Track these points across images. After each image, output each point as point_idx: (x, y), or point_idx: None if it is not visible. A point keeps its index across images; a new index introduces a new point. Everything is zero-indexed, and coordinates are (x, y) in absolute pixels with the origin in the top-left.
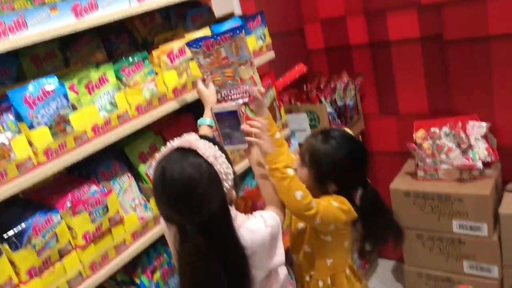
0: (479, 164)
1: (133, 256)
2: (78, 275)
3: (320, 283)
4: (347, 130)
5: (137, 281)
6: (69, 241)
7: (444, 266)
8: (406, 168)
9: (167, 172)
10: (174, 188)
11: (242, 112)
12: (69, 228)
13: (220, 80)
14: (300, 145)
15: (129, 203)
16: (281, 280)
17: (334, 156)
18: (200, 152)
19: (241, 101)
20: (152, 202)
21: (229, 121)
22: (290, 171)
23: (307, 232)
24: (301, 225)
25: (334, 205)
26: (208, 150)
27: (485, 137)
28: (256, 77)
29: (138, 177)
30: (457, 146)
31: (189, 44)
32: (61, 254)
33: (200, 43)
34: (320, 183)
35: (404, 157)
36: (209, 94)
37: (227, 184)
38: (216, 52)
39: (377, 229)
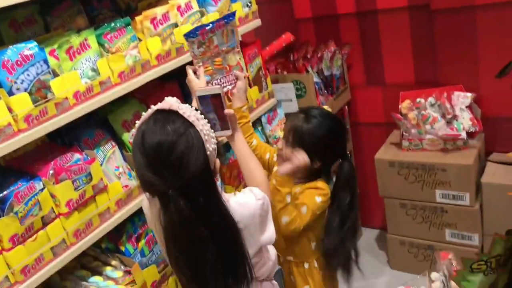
0: (463, 134)
1: (117, 223)
2: (62, 242)
3: (306, 265)
4: (326, 107)
5: (122, 248)
6: (52, 209)
7: (427, 234)
8: (391, 139)
9: (146, 134)
10: (153, 149)
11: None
12: (52, 196)
13: (210, 70)
14: (286, 115)
15: (113, 171)
16: (272, 259)
17: (317, 135)
18: (181, 112)
19: (230, 87)
20: None
21: (213, 105)
22: (288, 199)
23: None
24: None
25: (318, 202)
26: (189, 111)
27: (469, 107)
28: (242, 63)
29: (122, 146)
30: (442, 116)
31: (187, 35)
32: (45, 222)
33: (197, 32)
34: (317, 157)
35: (389, 128)
36: (199, 83)
37: (210, 147)
38: (209, 41)
39: (341, 211)
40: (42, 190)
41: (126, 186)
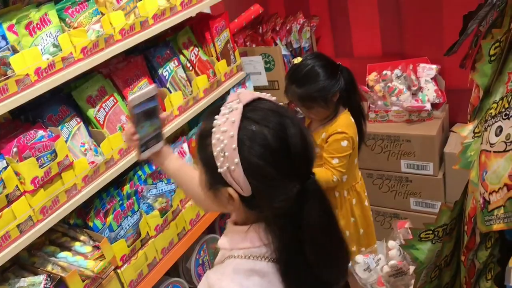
0: (428, 106)
1: (84, 200)
2: (28, 220)
3: (336, 194)
4: (297, 60)
5: (90, 224)
6: (17, 187)
7: (392, 203)
8: None
9: (277, 131)
10: (301, 147)
11: None
12: (16, 173)
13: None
14: (255, 89)
15: (79, 147)
16: None
17: (322, 82)
18: (266, 97)
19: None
20: (103, 146)
21: (148, 114)
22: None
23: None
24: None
25: (345, 147)
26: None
27: (434, 79)
28: None
29: (87, 122)
30: (408, 88)
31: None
32: (10, 200)
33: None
34: (329, 105)
35: None
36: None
37: None
38: None
39: (356, 104)
40: (5, 168)
41: (92, 162)
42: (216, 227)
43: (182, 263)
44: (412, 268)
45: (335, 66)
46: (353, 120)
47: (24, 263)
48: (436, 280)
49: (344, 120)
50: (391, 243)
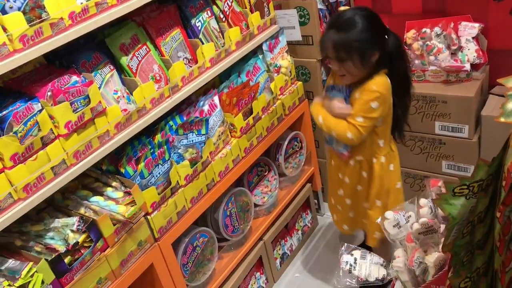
0: (467, 66)
1: (116, 146)
2: (62, 163)
3: (374, 160)
4: (343, 8)
5: (122, 170)
6: (51, 130)
7: (423, 165)
8: None
9: None
10: None
11: None
12: (51, 117)
13: None
14: (288, 44)
15: (112, 94)
16: None
17: (362, 33)
18: None
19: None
20: (135, 95)
21: None
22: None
23: None
24: None
25: (373, 108)
26: None
27: (476, 38)
28: None
29: (120, 69)
30: (447, 47)
31: None
32: (44, 143)
33: None
34: (364, 64)
35: None
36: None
37: None
38: None
39: (401, 74)
40: (40, 111)
41: (125, 110)
42: (245, 181)
43: (211, 214)
44: (443, 227)
45: (382, 26)
46: (389, 81)
47: (58, 205)
48: (468, 236)
49: (380, 79)
50: (422, 200)
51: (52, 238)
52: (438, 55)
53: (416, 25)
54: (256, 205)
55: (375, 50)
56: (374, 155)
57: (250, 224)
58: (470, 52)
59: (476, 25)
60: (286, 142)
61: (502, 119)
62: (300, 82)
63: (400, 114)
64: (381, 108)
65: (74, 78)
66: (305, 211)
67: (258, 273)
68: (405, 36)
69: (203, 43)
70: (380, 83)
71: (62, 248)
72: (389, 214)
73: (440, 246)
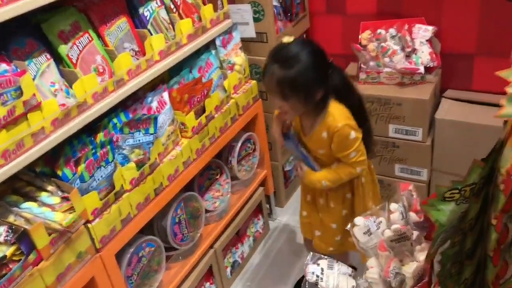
0: (422, 69)
1: (53, 145)
2: None
3: (362, 179)
4: (287, 39)
5: (59, 172)
6: None
7: (376, 168)
8: (348, 71)
9: None
10: None
11: None
12: None
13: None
14: (242, 40)
15: (48, 87)
16: None
17: (307, 70)
18: None
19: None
20: (75, 88)
21: None
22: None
23: (330, 156)
24: (321, 151)
25: (357, 136)
26: None
27: (430, 41)
28: None
29: (58, 60)
30: (402, 49)
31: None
32: None
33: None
34: (309, 101)
35: (347, 60)
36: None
37: None
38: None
39: (354, 106)
40: None
41: (63, 104)
42: (195, 185)
43: (157, 221)
44: (416, 234)
45: (327, 62)
46: (343, 106)
47: None
48: (458, 246)
49: (337, 111)
50: (393, 205)
51: None
52: (393, 57)
53: (371, 26)
54: (207, 211)
55: (320, 88)
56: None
57: (201, 231)
58: (424, 55)
59: (430, 28)
60: (239, 144)
61: (502, 114)
62: (254, 81)
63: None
64: (357, 130)
65: (4, 66)
66: (257, 216)
67: (208, 283)
68: (360, 37)
69: (151, 34)
70: (339, 115)
71: None
72: (358, 220)
73: (416, 255)
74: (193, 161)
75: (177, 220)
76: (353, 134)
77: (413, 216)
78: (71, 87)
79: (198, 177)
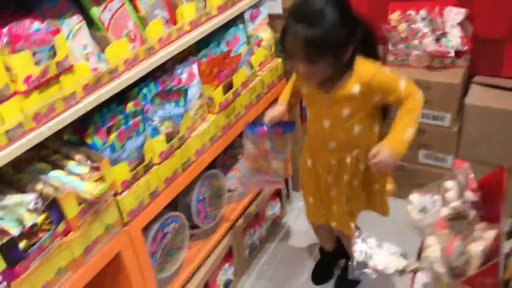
0: (452, 52)
1: (84, 112)
2: (18, 126)
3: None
4: None
5: (89, 141)
6: (7, 85)
7: None
8: None
9: None
10: None
11: None
12: (7, 68)
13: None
14: (269, 16)
15: (80, 50)
16: None
17: (337, 27)
18: None
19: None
20: (107, 53)
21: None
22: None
23: (354, 116)
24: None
25: (392, 72)
26: None
27: (461, 25)
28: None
29: (89, 23)
30: (432, 32)
31: (247, 128)
32: None
33: (255, 133)
34: (338, 62)
35: None
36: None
37: None
38: (262, 143)
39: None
40: None
41: (95, 69)
42: (218, 163)
43: (181, 199)
44: (472, 213)
45: (353, 14)
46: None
47: (8, 180)
48: None
49: (364, 64)
50: (449, 183)
51: (2, 219)
52: (422, 40)
53: (401, 6)
54: (228, 190)
55: (349, 45)
56: (370, 144)
57: (222, 210)
58: (455, 38)
59: (462, 10)
60: None
61: None
62: (279, 59)
63: None
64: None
65: (36, 24)
66: (275, 199)
67: (227, 264)
68: (389, 18)
69: (182, 2)
70: (367, 64)
71: (15, 231)
72: (414, 197)
73: (480, 234)
74: (219, 138)
75: (201, 198)
76: (387, 69)
77: (469, 195)
78: (103, 52)
79: (222, 155)
